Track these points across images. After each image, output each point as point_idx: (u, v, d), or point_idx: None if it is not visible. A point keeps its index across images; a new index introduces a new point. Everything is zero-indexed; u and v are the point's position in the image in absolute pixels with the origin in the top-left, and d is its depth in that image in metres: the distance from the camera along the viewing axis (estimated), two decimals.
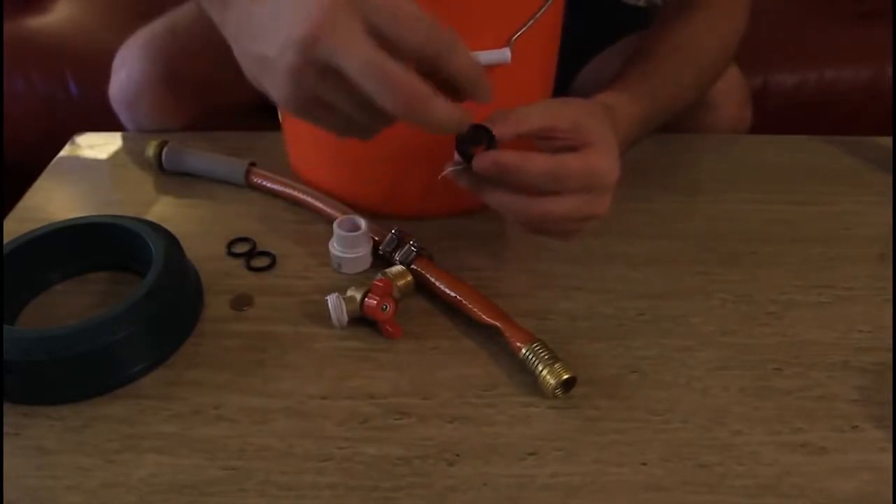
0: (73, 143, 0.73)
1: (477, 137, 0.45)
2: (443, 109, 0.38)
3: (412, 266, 0.53)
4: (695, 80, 0.62)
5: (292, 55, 0.36)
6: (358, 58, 0.35)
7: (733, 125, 0.75)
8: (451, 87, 0.40)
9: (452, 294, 0.51)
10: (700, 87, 0.64)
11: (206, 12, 0.45)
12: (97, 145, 0.73)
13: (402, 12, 0.36)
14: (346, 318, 0.50)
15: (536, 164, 0.44)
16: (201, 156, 0.66)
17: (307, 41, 0.36)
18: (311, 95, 0.38)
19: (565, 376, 0.44)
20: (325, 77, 0.37)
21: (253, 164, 0.65)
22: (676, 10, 0.62)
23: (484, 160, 0.44)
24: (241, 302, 0.53)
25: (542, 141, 0.48)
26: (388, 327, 0.49)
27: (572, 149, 0.46)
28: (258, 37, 0.39)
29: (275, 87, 0.39)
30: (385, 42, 0.36)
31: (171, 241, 0.52)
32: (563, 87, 0.73)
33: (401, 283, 0.51)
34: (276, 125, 0.67)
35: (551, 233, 0.50)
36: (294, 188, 0.63)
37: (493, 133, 0.45)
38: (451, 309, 0.52)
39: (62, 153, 0.72)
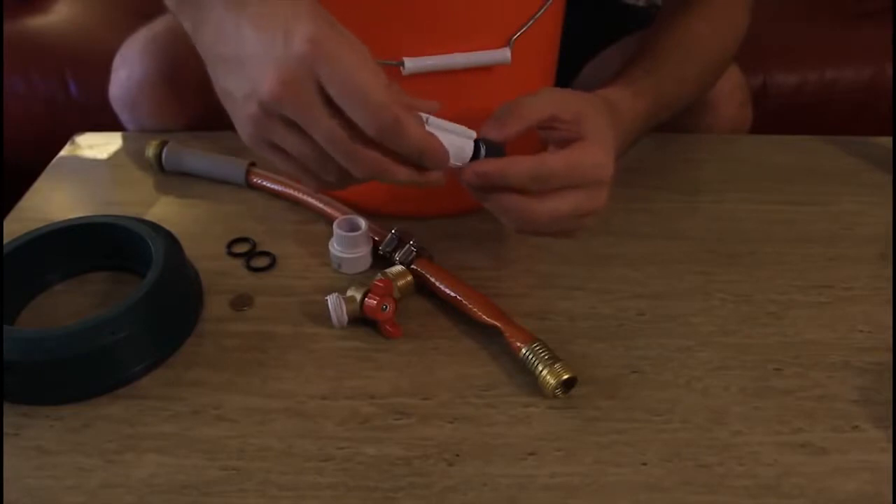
0: (73, 143, 0.73)
1: (476, 152, 0.45)
2: (404, 174, 0.40)
3: (412, 266, 0.53)
4: (697, 77, 0.62)
5: (255, 106, 0.38)
6: (318, 128, 0.37)
7: (733, 125, 0.75)
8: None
9: (452, 294, 0.51)
10: (702, 85, 0.64)
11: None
12: (97, 145, 0.73)
13: (349, 88, 0.36)
14: (346, 318, 0.50)
15: (518, 167, 0.44)
16: (201, 156, 0.66)
17: (270, 98, 0.37)
18: (269, 141, 0.40)
19: (565, 376, 0.44)
20: (287, 127, 0.38)
21: (253, 164, 0.65)
22: (678, 8, 0.62)
23: (467, 173, 0.44)
24: (241, 302, 0.53)
25: (543, 130, 0.48)
26: (388, 327, 0.49)
27: (569, 141, 0.46)
28: (225, 72, 0.40)
29: (237, 122, 0.41)
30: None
31: (171, 241, 0.52)
32: (563, 87, 0.73)
33: (401, 283, 0.51)
34: None
35: (552, 233, 0.49)
36: (294, 188, 0.63)
37: (494, 140, 0.45)
38: (451, 309, 0.52)
39: (62, 153, 0.72)
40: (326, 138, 0.37)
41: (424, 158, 0.40)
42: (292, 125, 0.38)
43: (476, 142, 0.45)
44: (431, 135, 0.40)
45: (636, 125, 0.54)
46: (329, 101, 0.37)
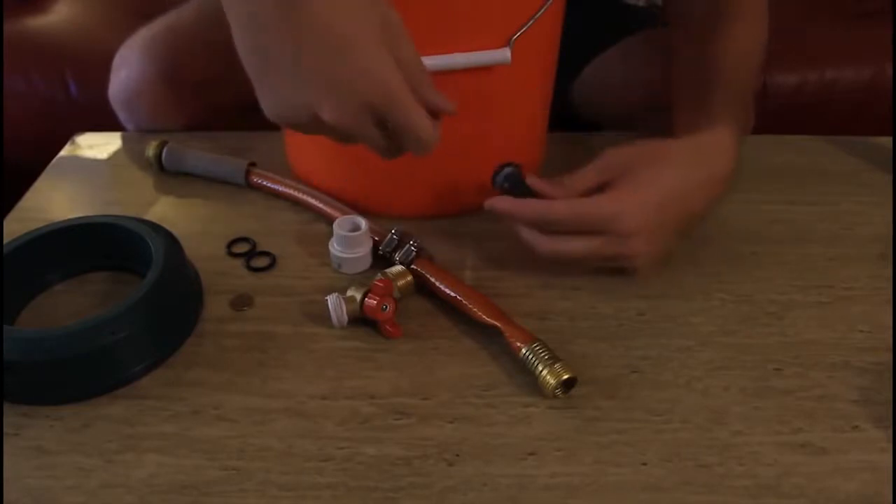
0: (73, 143, 0.73)
1: (520, 186, 0.53)
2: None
3: (412, 266, 0.53)
4: (753, 89, 0.62)
5: (309, 118, 0.40)
6: (367, 141, 0.42)
7: None
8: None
9: (452, 294, 0.51)
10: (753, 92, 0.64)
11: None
12: (97, 145, 0.73)
13: (408, 129, 0.41)
14: (346, 318, 0.50)
15: (525, 209, 0.50)
16: (201, 156, 0.66)
17: (329, 122, 0.39)
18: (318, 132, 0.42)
19: (565, 376, 0.44)
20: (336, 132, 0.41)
21: (253, 164, 0.65)
22: (715, 23, 0.61)
23: (487, 203, 0.52)
24: (241, 302, 0.53)
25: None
26: (388, 327, 0.49)
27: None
28: (279, 75, 0.39)
29: (280, 109, 0.42)
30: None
31: (171, 241, 0.52)
32: (563, 87, 0.73)
33: (401, 283, 0.51)
34: (276, 125, 0.67)
35: (595, 266, 0.53)
36: (294, 188, 0.63)
37: (538, 193, 0.52)
38: (451, 309, 0.52)
39: (62, 153, 0.72)
40: (373, 148, 0.43)
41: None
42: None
43: (504, 165, 0.53)
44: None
45: (736, 157, 0.54)
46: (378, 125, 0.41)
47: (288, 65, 0.38)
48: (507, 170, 0.54)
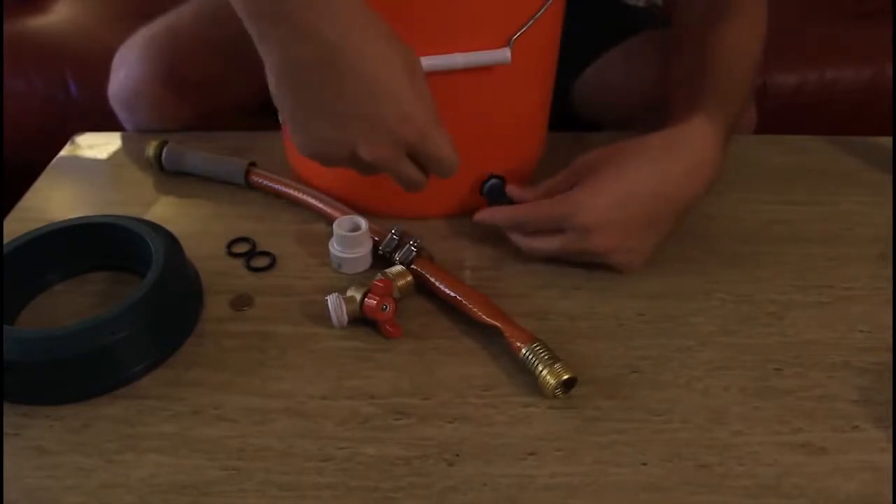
0: (73, 143, 0.73)
1: (489, 190, 0.59)
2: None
3: (412, 266, 0.53)
4: (750, 88, 0.61)
5: (347, 154, 0.43)
6: (401, 177, 0.45)
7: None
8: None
9: (452, 294, 0.51)
10: (751, 91, 0.64)
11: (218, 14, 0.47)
12: (97, 145, 0.73)
13: (438, 163, 0.45)
14: (346, 318, 0.50)
15: (499, 216, 0.56)
16: (201, 156, 0.66)
17: (366, 159, 0.43)
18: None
19: (565, 376, 0.44)
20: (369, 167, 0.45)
21: (253, 164, 0.65)
22: (713, 20, 0.61)
23: (474, 218, 0.57)
24: (241, 302, 0.53)
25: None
26: (388, 327, 0.49)
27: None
28: (317, 112, 0.42)
29: (313, 142, 0.44)
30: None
31: (171, 241, 0.52)
32: (564, 88, 0.73)
33: (401, 283, 0.51)
34: (276, 125, 0.67)
35: (588, 263, 0.55)
36: (294, 188, 0.63)
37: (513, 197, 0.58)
38: (451, 309, 0.52)
39: (62, 153, 0.72)
40: (404, 183, 0.46)
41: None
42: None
43: (490, 176, 0.59)
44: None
45: (719, 147, 0.54)
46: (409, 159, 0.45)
47: (328, 108, 0.41)
48: (491, 182, 0.58)
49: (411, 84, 0.42)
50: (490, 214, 0.57)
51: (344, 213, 0.58)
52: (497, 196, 0.58)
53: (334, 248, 0.55)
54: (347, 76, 0.40)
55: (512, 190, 0.58)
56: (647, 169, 0.51)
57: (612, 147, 0.54)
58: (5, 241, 0.51)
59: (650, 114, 0.69)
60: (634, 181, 0.51)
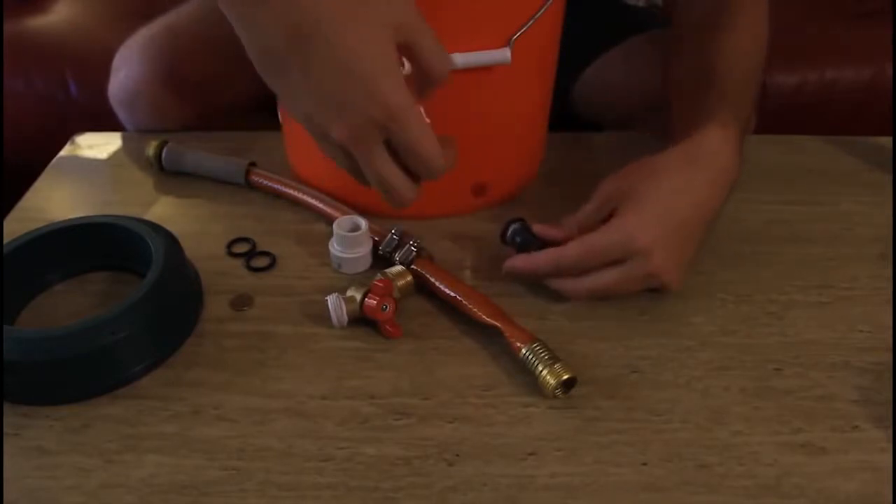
0: (73, 143, 0.73)
1: (530, 238, 0.54)
2: (411, 197, 0.44)
3: (412, 266, 0.53)
4: (755, 91, 0.61)
5: (318, 136, 0.41)
6: (373, 171, 0.42)
7: None
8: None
9: (452, 294, 0.51)
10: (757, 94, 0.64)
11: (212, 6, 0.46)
12: (97, 145, 0.73)
13: (416, 152, 0.41)
14: (346, 318, 0.50)
15: (541, 262, 0.51)
16: (201, 156, 0.66)
17: (338, 141, 0.40)
18: (331, 150, 0.43)
19: (565, 376, 0.44)
20: (345, 153, 0.42)
21: (253, 164, 0.65)
22: (713, 25, 0.61)
23: (505, 268, 0.53)
24: (241, 302, 0.53)
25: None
26: (388, 327, 0.49)
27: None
28: (296, 94, 0.41)
29: (299, 121, 0.42)
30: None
31: (171, 241, 0.52)
32: (564, 88, 0.73)
33: (401, 283, 0.51)
34: (276, 125, 0.67)
35: (600, 294, 0.52)
36: (294, 188, 0.63)
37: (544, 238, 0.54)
38: (451, 309, 0.52)
39: (62, 153, 0.72)
40: (377, 178, 0.42)
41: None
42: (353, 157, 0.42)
43: (510, 221, 0.55)
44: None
45: (737, 152, 0.54)
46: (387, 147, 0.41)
47: (302, 89, 0.40)
48: (514, 226, 0.55)
49: (386, 66, 0.39)
50: (528, 262, 0.52)
51: (344, 213, 0.58)
52: (525, 240, 0.54)
53: (334, 248, 0.55)
54: (321, 55, 0.39)
55: (542, 229, 0.54)
56: (678, 183, 0.51)
57: (634, 167, 0.52)
58: (5, 241, 0.51)
59: (650, 114, 0.69)
60: (670, 197, 0.50)
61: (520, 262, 0.52)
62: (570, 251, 0.50)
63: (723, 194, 0.53)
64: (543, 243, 0.53)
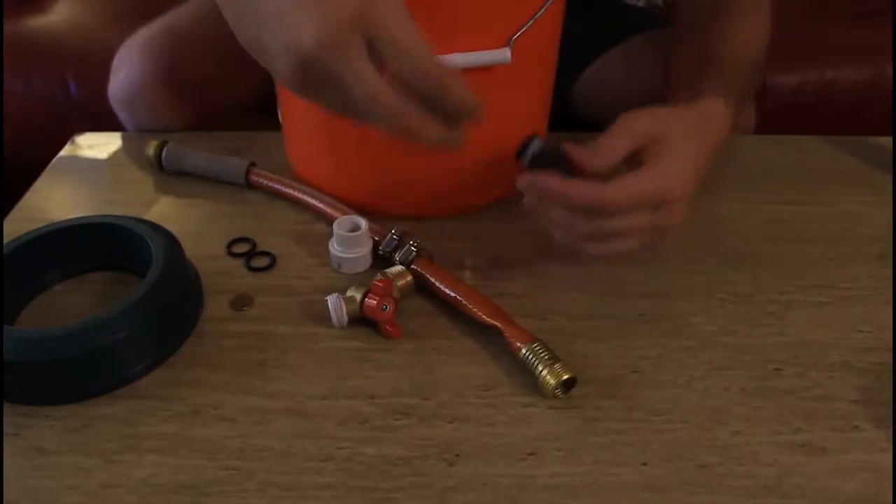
0: (73, 143, 0.73)
1: (551, 160, 0.48)
2: (433, 133, 0.39)
3: (412, 266, 0.53)
4: (752, 85, 0.62)
5: (294, 61, 0.37)
6: (358, 83, 0.36)
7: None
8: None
9: (452, 294, 0.51)
10: (752, 88, 0.64)
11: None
12: (97, 145, 0.73)
13: (400, 46, 0.37)
14: (346, 318, 0.50)
15: (580, 193, 0.47)
16: (201, 156, 0.66)
17: (310, 54, 0.36)
18: (311, 85, 0.38)
19: (565, 376, 0.44)
20: (327, 78, 0.37)
21: (253, 164, 0.65)
22: (714, 17, 0.62)
23: (524, 180, 0.48)
24: (241, 302, 0.53)
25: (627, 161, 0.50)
26: (388, 327, 0.49)
27: (645, 161, 0.48)
28: (261, 23, 0.37)
29: (275, 71, 0.39)
30: (383, 64, 0.37)
31: (171, 241, 0.52)
32: (564, 88, 0.73)
33: (401, 283, 0.51)
34: (276, 125, 0.67)
35: (615, 246, 0.50)
36: (294, 188, 0.63)
37: (574, 161, 0.48)
38: (451, 309, 0.52)
39: (62, 153, 0.72)
40: (365, 95, 0.37)
41: (463, 113, 0.40)
42: (335, 78, 0.37)
43: (531, 137, 0.49)
44: (473, 91, 0.39)
45: (727, 132, 0.54)
46: (371, 56, 0.37)
47: (263, 10, 0.37)
48: (536, 143, 0.49)
49: None
50: (568, 188, 0.47)
51: (344, 213, 0.58)
52: (552, 160, 0.47)
53: (334, 248, 0.55)
54: None
55: (573, 150, 0.48)
56: (694, 140, 0.51)
57: (660, 114, 0.51)
58: (5, 241, 0.51)
59: None
60: (695, 151, 0.51)
61: (557, 184, 0.47)
62: (613, 195, 0.47)
63: (712, 159, 0.53)
64: (568, 165, 0.48)
